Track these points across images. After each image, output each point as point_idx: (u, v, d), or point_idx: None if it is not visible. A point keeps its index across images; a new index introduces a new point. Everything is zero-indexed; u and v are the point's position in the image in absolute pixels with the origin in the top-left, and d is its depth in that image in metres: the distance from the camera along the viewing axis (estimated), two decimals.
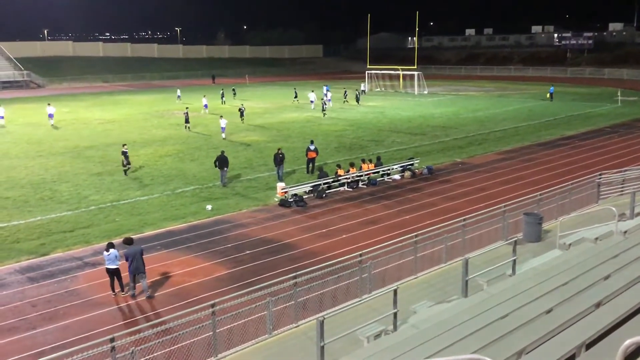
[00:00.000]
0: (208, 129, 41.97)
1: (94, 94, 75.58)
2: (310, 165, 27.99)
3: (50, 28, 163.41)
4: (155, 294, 14.95)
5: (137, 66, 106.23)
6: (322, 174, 25.39)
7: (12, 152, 34.59)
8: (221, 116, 39.61)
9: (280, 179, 25.85)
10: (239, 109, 45.72)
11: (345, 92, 62.14)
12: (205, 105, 51.89)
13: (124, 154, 27.99)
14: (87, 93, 76.44)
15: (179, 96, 64.27)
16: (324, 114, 48.82)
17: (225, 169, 25.85)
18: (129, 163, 28.18)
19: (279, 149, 27.02)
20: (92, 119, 48.97)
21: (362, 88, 68.62)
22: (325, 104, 51.45)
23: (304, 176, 27.38)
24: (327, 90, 61.83)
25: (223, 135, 38.25)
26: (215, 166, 26.03)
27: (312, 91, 57.38)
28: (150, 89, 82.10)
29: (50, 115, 45.51)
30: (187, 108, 44.75)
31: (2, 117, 45.94)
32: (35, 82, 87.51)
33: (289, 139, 37.53)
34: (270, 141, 36.85)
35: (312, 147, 28.08)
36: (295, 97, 61.60)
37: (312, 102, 54.66)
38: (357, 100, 58.80)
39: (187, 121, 41.81)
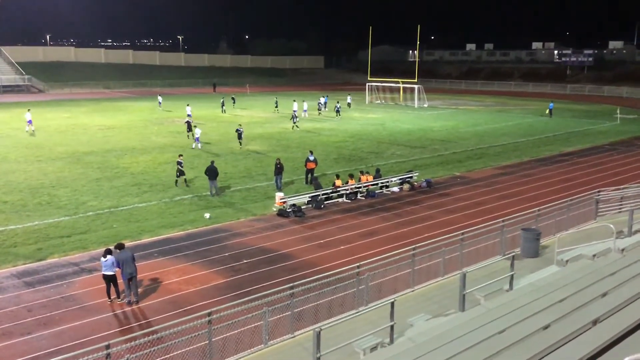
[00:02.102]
0: (208, 137, 41.98)
1: (94, 99, 75.68)
2: (309, 175, 28.02)
3: (53, 33, 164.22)
4: (152, 302, 14.90)
5: (139, 73, 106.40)
6: (317, 185, 25.41)
7: (11, 156, 34.60)
8: (195, 125, 39.27)
9: (279, 189, 25.88)
10: (237, 130, 38.92)
11: (320, 103, 62.00)
12: (189, 115, 51.16)
13: (179, 164, 27.30)
14: (88, 99, 76.55)
15: (160, 103, 63.99)
16: (293, 127, 47.38)
17: (215, 179, 25.74)
18: (182, 174, 27.30)
19: (277, 159, 27.10)
20: (92, 125, 49.03)
21: (348, 100, 68.15)
22: (296, 117, 48.68)
23: (302, 186, 27.39)
24: (325, 102, 61.81)
25: (195, 145, 37.53)
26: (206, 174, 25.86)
27: (294, 101, 56.47)
28: (151, 96, 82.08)
29: (29, 122, 44.13)
30: (188, 116, 44.68)
31: None
32: (36, 87, 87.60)
33: (288, 149, 37.60)
34: (270, 151, 36.91)
35: (311, 158, 28.14)
36: (276, 107, 61.82)
37: (294, 111, 51.73)
38: (337, 112, 57.19)
39: (189, 129, 41.78)
